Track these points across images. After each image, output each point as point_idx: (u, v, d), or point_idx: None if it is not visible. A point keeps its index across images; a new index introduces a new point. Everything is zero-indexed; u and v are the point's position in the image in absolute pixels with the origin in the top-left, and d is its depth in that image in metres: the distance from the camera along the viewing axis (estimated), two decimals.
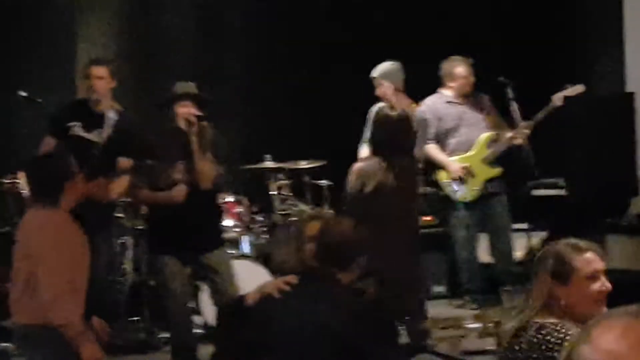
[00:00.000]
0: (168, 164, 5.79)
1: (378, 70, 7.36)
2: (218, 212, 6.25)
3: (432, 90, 7.68)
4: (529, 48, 8.10)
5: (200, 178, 5.78)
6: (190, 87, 5.97)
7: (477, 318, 5.41)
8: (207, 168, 5.82)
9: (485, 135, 7.58)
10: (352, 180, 5.78)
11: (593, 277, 3.25)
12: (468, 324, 6.21)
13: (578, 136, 7.59)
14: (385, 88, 7.30)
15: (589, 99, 7.75)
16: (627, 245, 7.15)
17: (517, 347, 3.19)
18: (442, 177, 7.59)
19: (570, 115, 7.47)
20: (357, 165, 5.87)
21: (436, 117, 7.57)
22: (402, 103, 7.26)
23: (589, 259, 3.28)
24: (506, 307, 5.36)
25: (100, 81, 6.45)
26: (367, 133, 7.55)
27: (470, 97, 7.65)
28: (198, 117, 5.83)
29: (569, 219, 7.72)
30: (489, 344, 5.48)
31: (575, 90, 7.44)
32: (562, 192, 7.99)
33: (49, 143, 6.45)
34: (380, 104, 7.40)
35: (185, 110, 5.81)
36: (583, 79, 8.52)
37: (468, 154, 7.57)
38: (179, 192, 5.71)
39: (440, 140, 7.61)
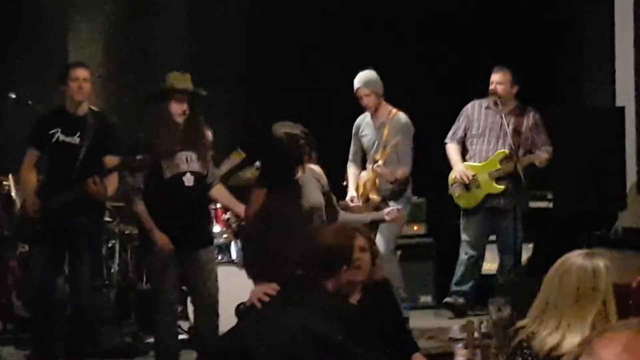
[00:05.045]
0: (165, 155, 5.78)
1: (360, 80, 7.29)
2: (208, 205, 6.30)
3: (413, 98, 7.73)
4: (520, 61, 8.10)
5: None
6: (187, 80, 5.93)
7: (463, 329, 5.41)
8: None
9: (501, 150, 7.58)
10: None
11: None
12: (454, 334, 6.21)
13: (566, 149, 7.59)
14: (369, 98, 7.29)
15: (579, 113, 7.78)
16: (615, 259, 7.13)
17: None
18: (450, 177, 7.71)
19: (559, 129, 7.48)
20: None
21: (468, 119, 7.71)
22: (385, 110, 7.30)
23: None
24: (494, 319, 5.36)
25: (85, 83, 6.41)
26: (352, 148, 7.56)
27: (515, 108, 7.67)
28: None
29: (556, 232, 7.73)
30: (476, 355, 5.48)
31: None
32: (549, 204, 8.00)
33: (31, 154, 6.37)
34: (365, 114, 7.41)
35: (180, 107, 5.81)
36: (573, 92, 8.56)
37: (479, 163, 7.62)
38: (164, 241, 5.69)
39: (465, 143, 7.72)
